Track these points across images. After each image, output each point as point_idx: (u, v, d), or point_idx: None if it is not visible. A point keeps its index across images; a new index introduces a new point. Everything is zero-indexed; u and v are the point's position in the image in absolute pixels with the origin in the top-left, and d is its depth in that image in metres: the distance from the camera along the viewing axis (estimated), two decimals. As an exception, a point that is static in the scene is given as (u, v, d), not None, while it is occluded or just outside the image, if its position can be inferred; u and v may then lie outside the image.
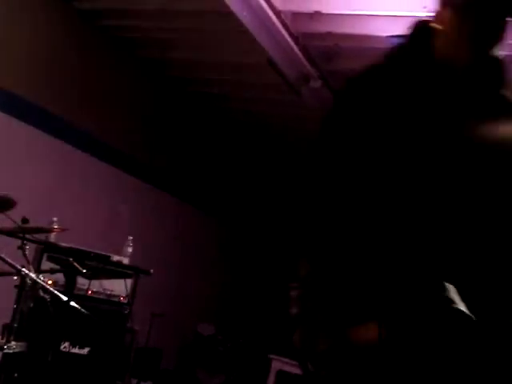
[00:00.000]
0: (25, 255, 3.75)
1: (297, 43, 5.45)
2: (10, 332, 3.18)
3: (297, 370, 3.85)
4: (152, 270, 5.37)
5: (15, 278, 3.60)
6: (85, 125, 6.27)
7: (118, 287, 5.21)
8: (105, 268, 4.89)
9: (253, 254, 9.77)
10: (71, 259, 3.33)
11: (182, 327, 8.06)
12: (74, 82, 6.10)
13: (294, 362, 3.93)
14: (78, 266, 3.25)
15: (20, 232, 3.78)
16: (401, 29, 4.93)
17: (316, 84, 5.99)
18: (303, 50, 5.55)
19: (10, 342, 3.27)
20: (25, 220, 3.84)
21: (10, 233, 3.78)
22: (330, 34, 5.32)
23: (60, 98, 5.96)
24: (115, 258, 5.23)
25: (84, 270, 3.27)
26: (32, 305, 3.76)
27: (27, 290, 3.52)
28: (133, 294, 5.36)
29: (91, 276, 4.66)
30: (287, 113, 7.37)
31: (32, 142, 5.70)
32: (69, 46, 5.98)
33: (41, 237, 4.63)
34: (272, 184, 9.73)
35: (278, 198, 9.73)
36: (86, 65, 6.24)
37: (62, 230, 4.32)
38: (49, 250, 4.59)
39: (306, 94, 6.14)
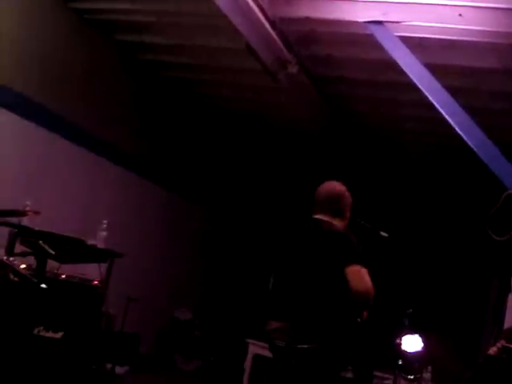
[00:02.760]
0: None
1: (274, 28, 5.42)
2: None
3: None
4: (123, 253, 5.35)
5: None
6: (62, 110, 6.20)
7: (93, 271, 5.20)
8: (78, 251, 4.86)
9: (230, 239, 9.78)
10: (40, 241, 3.30)
11: (159, 312, 8.06)
12: (52, 67, 6.02)
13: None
14: (47, 248, 3.22)
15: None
16: (377, 14, 4.95)
17: (293, 69, 5.98)
18: (280, 34, 5.53)
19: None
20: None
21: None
22: (307, 19, 5.30)
23: (36, 83, 5.88)
24: (90, 241, 5.20)
25: (53, 252, 3.24)
26: (2, 288, 3.73)
27: (-3, 273, 3.49)
28: (107, 278, 5.34)
29: (64, 260, 4.64)
30: (265, 98, 7.35)
31: (8, 127, 5.63)
32: (43, 28, 5.89)
33: (14, 221, 4.61)
34: (251, 170, 9.73)
35: (256, 183, 9.74)
36: (63, 49, 6.15)
37: (35, 212, 4.28)
38: (20, 233, 4.55)
39: (283, 79, 6.12)
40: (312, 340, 3.33)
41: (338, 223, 3.60)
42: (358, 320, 3.48)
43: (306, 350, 3.32)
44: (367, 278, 3.29)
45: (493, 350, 3.87)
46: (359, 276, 3.29)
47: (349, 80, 6.51)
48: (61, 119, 6.23)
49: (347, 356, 3.46)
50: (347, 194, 3.69)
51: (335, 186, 3.72)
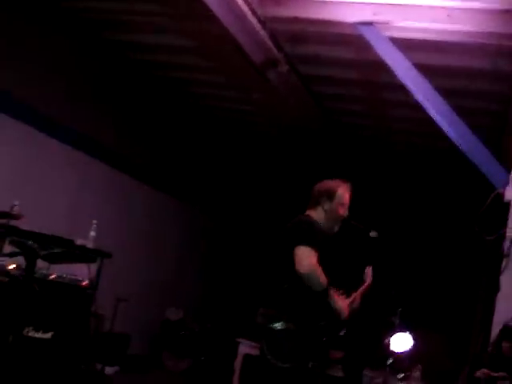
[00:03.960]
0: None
1: (264, 28, 5.42)
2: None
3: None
4: (113, 253, 5.34)
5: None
6: (48, 108, 6.18)
7: (82, 271, 5.19)
8: (67, 252, 4.85)
9: (221, 238, 9.78)
10: (29, 242, 3.28)
11: (149, 312, 8.05)
12: (36, 64, 5.99)
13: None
14: (36, 248, 3.21)
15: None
16: (367, 14, 4.96)
17: (283, 68, 5.99)
18: (270, 34, 5.53)
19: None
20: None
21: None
22: (296, 19, 5.30)
23: (23, 81, 5.85)
24: (79, 241, 5.18)
25: (42, 253, 3.23)
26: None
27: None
28: (97, 278, 5.33)
29: (53, 260, 4.63)
30: (255, 98, 7.35)
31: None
32: (31, 26, 5.86)
33: (2, 222, 4.59)
34: (244, 168, 9.74)
35: (248, 182, 9.75)
36: (50, 47, 6.13)
37: (20, 216, 4.26)
38: (9, 233, 4.53)
39: (273, 78, 6.13)
40: (287, 320, 3.40)
41: (313, 214, 3.68)
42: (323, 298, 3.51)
43: (280, 331, 3.39)
44: (307, 258, 3.35)
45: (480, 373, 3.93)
46: (299, 257, 3.36)
47: (338, 80, 6.53)
48: (48, 119, 6.21)
49: (318, 335, 3.49)
50: (332, 188, 3.73)
51: (325, 183, 3.79)
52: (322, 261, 3.48)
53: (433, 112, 4.82)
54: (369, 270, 3.92)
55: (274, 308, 3.51)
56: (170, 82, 7.63)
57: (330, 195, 3.72)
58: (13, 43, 5.69)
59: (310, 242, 3.40)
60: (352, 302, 3.72)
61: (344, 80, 6.50)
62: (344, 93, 6.88)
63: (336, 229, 3.76)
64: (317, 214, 3.70)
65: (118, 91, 7.28)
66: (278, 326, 3.41)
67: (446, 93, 4.90)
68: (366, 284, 3.88)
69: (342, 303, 3.54)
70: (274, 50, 5.73)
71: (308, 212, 3.73)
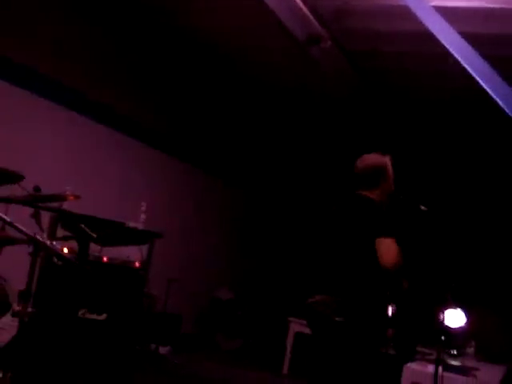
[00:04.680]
0: (38, 223, 3.78)
1: (305, 3, 5.35)
2: (26, 299, 3.21)
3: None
4: (164, 234, 5.40)
5: (29, 246, 3.63)
6: (95, 94, 6.26)
7: (134, 253, 5.26)
8: (119, 234, 4.93)
9: (268, 218, 9.78)
10: (82, 225, 3.34)
11: (199, 292, 8.14)
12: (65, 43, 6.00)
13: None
14: (88, 231, 3.26)
15: (32, 200, 3.80)
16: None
17: (326, 44, 5.91)
18: (312, 9, 5.45)
19: (26, 309, 3.30)
20: (37, 188, 3.86)
21: (22, 201, 3.80)
22: (338, -7, 5.22)
23: (64, 66, 5.91)
24: (130, 224, 5.26)
25: (95, 235, 3.28)
26: (47, 272, 3.80)
27: (41, 257, 3.55)
28: (148, 259, 5.41)
29: (106, 242, 4.70)
30: (298, 75, 7.27)
31: (42, 113, 5.71)
32: None
33: (55, 205, 4.68)
34: (283, 144, 9.67)
35: (289, 157, 9.69)
36: (69, 19, 6.05)
37: (76, 197, 4.34)
38: (62, 217, 4.62)
39: (316, 54, 6.06)
40: (349, 313, 3.34)
41: (374, 195, 3.59)
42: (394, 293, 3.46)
43: (343, 324, 3.34)
44: (393, 251, 3.28)
45: None
46: (385, 249, 3.28)
47: (383, 53, 6.39)
48: (98, 105, 6.30)
49: (382, 331, 3.45)
50: (384, 164, 3.66)
51: (371, 159, 3.71)
52: None
53: (481, 81, 4.68)
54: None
55: (335, 296, 3.44)
56: (210, 60, 7.56)
57: (384, 172, 3.65)
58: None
59: (390, 233, 3.33)
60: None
61: (389, 53, 6.37)
62: (389, 66, 6.74)
63: (386, 205, 3.70)
64: (376, 196, 3.61)
65: (165, 70, 7.30)
66: (339, 319, 3.36)
67: (493, 61, 4.75)
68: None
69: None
70: (317, 26, 5.65)
71: (367, 193, 3.61)
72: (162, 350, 6.60)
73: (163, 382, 5.51)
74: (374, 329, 3.40)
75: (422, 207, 3.75)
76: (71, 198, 4.47)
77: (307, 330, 5.95)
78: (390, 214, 3.43)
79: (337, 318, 3.35)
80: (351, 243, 3.43)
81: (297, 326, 7.03)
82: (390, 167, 3.69)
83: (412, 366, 4.85)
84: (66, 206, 4.84)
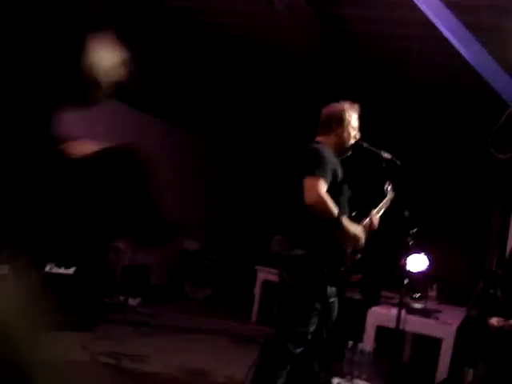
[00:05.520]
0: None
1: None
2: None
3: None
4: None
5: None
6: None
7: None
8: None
9: (233, 167, 9.80)
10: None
11: (168, 244, 8.16)
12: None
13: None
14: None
15: None
16: None
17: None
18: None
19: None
20: None
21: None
22: None
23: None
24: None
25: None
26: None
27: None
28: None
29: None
30: (261, 23, 7.19)
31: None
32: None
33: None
34: (249, 96, 9.64)
35: (255, 109, 9.67)
36: None
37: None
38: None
39: (278, 3, 5.99)
40: (300, 248, 3.44)
41: (324, 140, 3.65)
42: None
43: (297, 258, 3.43)
44: (314, 189, 3.34)
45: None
46: (308, 187, 3.36)
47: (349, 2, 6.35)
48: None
49: (333, 264, 3.53)
50: (339, 110, 3.69)
51: (330, 106, 3.74)
52: (336, 187, 3.48)
53: (444, 30, 4.71)
54: (388, 188, 3.93)
55: (290, 235, 3.55)
56: (174, 11, 7.46)
57: (340, 119, 3.67)
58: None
59: (318, 172, 3.38)
60: (369, 225, 3.73)
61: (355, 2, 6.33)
62: (355, 15, 6.70)
63: (348, 152, 3.74)
64: (329, 140, 3.67)
65: (126, 26, 7.15)
66: (297, 252, 3.44)
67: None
68: (385, 200, 3.90)
69: (355, 229, 3.55)
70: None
71: (319, 138, 3.70)
72: (132, 301, 6.67)
73: (134, 333, 5.58)
74: (326, 261, 3.47)
75: (385, 154, 3.79)
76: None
77: (274, 278, 6.08)
78: (320, 153, 3.51)
79: (292, 253, 3.44)
80: (293, 184, 3.50)
81: (264, 275, 7.14)
82: (351, 115, 3.70)
83: (376, 310, 4.99)
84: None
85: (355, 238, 3.51)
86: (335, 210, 3.38)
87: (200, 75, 8.80)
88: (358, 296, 6.28)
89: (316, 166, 3.41)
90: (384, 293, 6.14)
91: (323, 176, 3.38)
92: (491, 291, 4.08)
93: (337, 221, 3.39)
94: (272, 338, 3.55)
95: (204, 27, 7.85)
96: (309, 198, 3.34)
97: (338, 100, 3.79)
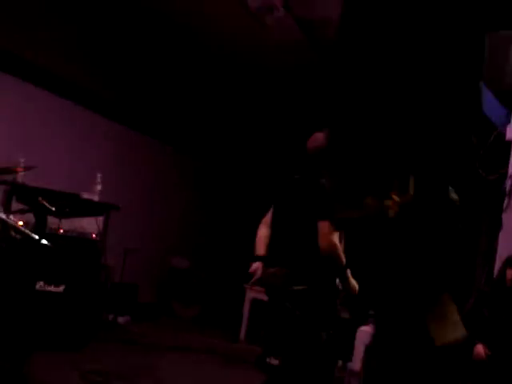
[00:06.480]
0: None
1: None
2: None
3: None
4: (121, 206, 5.39)
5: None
6: (42, 60, 6.11)
7: (90, 225, 5.25)
8: (75, 206, 4.91)
9: (225, 187, 9.82)
10: (40, 198, 3.33)
11: (156, 262, 8.17)
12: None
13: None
14: (47, 204, 3.25)
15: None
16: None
17: (279, 13, 5.92)
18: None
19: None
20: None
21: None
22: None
23: (10, 32, 5.76)
24: (85, 195, 5.24)
25: (53, 209, 3.28)
26: (4, 245, 3.78)
27: (-2, 232, 3.53)
28: (105, 230, 5.41)
29: (61, 215, 4.68)
30: (251, 43, 7.25)
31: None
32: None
33: (8, 179, 4.62)
34: (239, 115, 9.68)
35: (245, 128, 9.71)
36: None
37: (29, 168, 4.29)
38: (17, 190, 4.57)
39: (270, 23, 6.06)
40: (303, 283, 3.46)
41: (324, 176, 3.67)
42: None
43: (299, 292, 3.46)
44: (330, 237, 3.37)
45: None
46: (322, 233, 3.38)
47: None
48: (46, 72, 6.17)
49: (335, 298, 3.59)
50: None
51: (316, 140, 3.73)
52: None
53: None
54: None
55: (289, 268, 3.54)
56: (165, 27, 7.48)
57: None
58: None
59: (331, 217, 3.40)
60: None
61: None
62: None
63: None
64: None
65: (112, 40, 7.19)
66: (299, 287, 3.47)
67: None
68: None
69: (353, 284, 3.61)
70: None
71: (316, 172, 3.67)
72: (120, 319, 6.64)
73: (122, 351, 5.56)
74: (330, 296, 3.52)
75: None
76: (24, 169, 4.43)
77: (263, 297, 6.08)
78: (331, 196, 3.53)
79: (294, 288, 3.46)
80: (300, 222, 3.52)
81: (253, 293, 7.14)
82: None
83: (365, 329, 5.03)
84: (19, 178, 4.78)
85: (352, 290, 3.58)
86: (344, 260, 3.44)
87: (194, 96, 8.84)
88: (346, 315, 6.30)
89: (330, 210, 3.42)
90: (371, 312, 6.16)
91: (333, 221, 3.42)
92: (483, 310, 4.14)
93: (343, 270, 3.46)
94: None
95: (195, 46, 7.90)
96: (323, 244, 3.37)
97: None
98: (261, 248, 3.67)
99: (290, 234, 3.60)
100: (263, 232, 3.75)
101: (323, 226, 3.39)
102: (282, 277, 3.54)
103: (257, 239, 3.64)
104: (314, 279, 3.47)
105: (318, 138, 3.72)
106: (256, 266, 3.68)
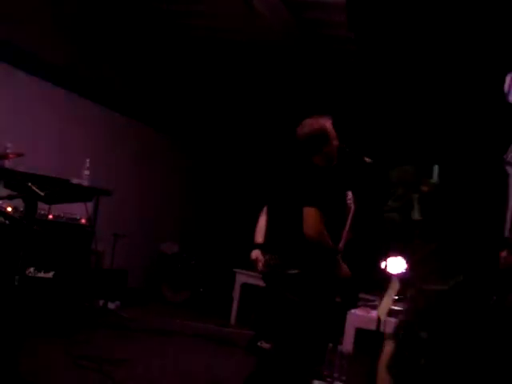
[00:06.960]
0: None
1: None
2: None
3: (260, 282, 4.02)
4: (112, 191, 5.37)
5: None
6: (28, 44, 6.04)
7: (79, 210, 5.23)
8: (64, 192, 4.87)
9: (215, 172, 9.80)
10: (29, 184, 3.30)
11: (145, 247, 8.16)
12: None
13: (257, 275, 4.11)
14: (37, 190, 3.23)
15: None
16: None
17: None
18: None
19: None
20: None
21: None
22: None
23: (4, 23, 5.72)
24: (74, 180, 5.20)
25: (43, 194, 3.25)
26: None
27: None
28: (94, 216, 5.38)
29: (51, 200, 4.64)
30: (239, 26, 7.21)
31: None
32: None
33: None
34: (228, 99, 9.64)
35: (235, 112, 9.68)
36: None
37: (17, 155, 4.25)
38: (5, 176, 4.52)
39: (258, 5, 6.03)
40: (297, 267, 3.48)
41: (318, 160, 3.65)
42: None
43: (293, 276, 3.47)
44: (315, 223, 3.40)
45: None
46: (307, 219, 3.40)
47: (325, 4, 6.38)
48: (32, 55, 6.10)
49: (328, 285, 3.62)
50: (323, 128, 3.67)
51: (311, 126, 3.69)
52: (333, 212, 3.54)
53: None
54: (350, 195, 3.95)
55: (282, 255, 3.58)
56: (157, 13, 7.44)
57: (325, 136, 3.65)
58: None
59: (317, 203, 3.41)
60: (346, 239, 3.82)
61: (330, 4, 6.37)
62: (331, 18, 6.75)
63: (335, 161, 3.76)
64: (321, 160, 3.66)
65: (101, 23, 7.12)
66: (294, 271, 3.50)
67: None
68: (351, 211, 3.93)
69: (345, 268, 3.66)
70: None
71: (314, 159, 3.67)
72: (111, 305, 6.64)
73: (113, 337, 5.56)
74: (323, 282, 3.55)
75: (367, 159, 3.84)
76: (13, 155, 4.39)
77: (253, 281, 6.12)
78: (320, 182, 3.54)
79: (289, 271, 3.49)
80: (290, 208, 3.54)
81: (243, 277, 7.16)
82: (330, 129, 3.70)
83: (356, 312, 5.04)
84: (7, 163, 4.74)
85: (345, 273, 3.65)
86: (331, 245, 3.49)
87: (182, 79, 8.78)
88: (337, 299, 6.32)
89: (315, 196, 3.44)
90: (363, 295, 6.20)
91: (322, 208, 3.42)
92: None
93: (333, 255, 3.49)
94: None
95: (182, 29, 7.85)
96: (308, 231, 3.40)
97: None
98: (259, 236, 3.71)
99: (282, 220, 3.63)
100: (262, 221, 3.79)
101: (308, 213, 3.40)
102: (275, 262, 3.57)
103: (257, 228, 3.71)
104: (307, 263, 3.49)
105: (308, 124, 3.70)
106: (255, 253, 3.71)
